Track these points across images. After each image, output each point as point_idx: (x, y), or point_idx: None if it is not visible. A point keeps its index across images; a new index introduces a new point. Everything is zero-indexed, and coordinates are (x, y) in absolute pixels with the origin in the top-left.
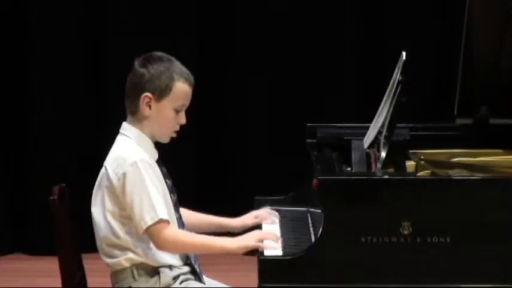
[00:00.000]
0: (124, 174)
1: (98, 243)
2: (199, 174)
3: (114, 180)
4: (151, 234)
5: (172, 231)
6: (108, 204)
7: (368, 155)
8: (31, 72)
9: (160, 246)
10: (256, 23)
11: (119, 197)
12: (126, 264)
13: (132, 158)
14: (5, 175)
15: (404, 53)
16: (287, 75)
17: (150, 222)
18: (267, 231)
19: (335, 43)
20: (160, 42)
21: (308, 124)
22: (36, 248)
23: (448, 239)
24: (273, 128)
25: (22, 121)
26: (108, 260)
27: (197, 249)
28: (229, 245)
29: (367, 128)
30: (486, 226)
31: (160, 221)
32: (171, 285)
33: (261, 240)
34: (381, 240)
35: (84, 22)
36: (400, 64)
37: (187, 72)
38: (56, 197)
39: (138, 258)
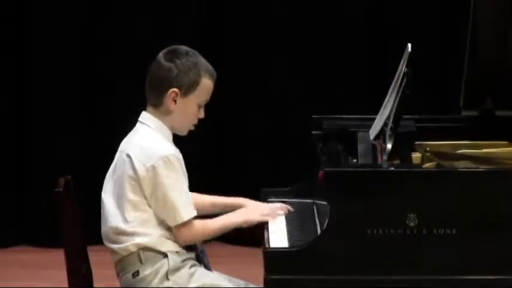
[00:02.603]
0: (153, 167)
1: (104, 229)
2: (205, 167)
3: (141, 171)
4: (184, 228)
5: (200, 223)
6: (129, 194)
7: (374, 147)
8: (35, 66)
9: (191, 240)
10: (259, 14)
11: (142, 187)
12: (133, 249)
13: (161, 151)
14: (10, 166)
15: (409, 45)
16: (293, 66)
17: (186, 218)
18: (271, 206)
19: (340, 33)
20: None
21: (314, 116)
22: (41, 240)
23: (453, 231)
24: (279, 120)
25: (25, 115)
26: (114, 246)
27: (218, 232)
28: (237, 220)
29: (373, 119)
30: (492, 218)
31: (195, 217)
32: (180, 268)
33: (267, 215)
34: (386, 232)
35: (85, 22)
36: (405, 56)
37: (212, 68)
38: (61, 189)
39: (145, 243)
